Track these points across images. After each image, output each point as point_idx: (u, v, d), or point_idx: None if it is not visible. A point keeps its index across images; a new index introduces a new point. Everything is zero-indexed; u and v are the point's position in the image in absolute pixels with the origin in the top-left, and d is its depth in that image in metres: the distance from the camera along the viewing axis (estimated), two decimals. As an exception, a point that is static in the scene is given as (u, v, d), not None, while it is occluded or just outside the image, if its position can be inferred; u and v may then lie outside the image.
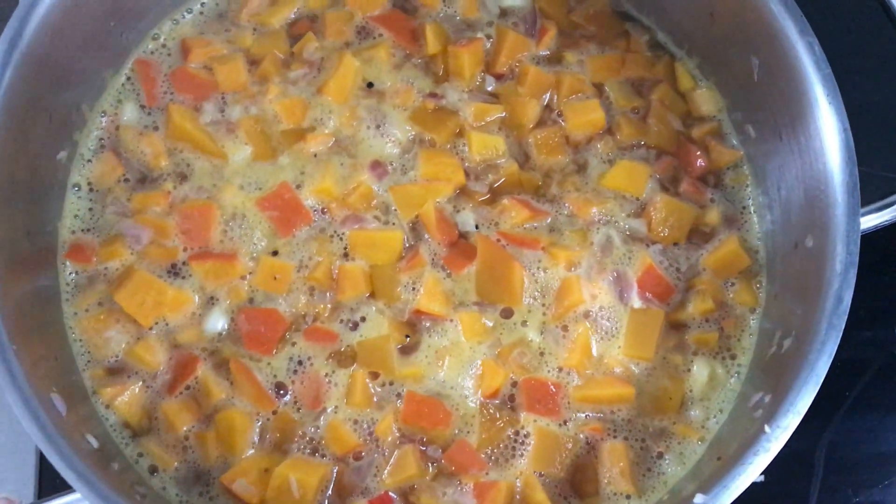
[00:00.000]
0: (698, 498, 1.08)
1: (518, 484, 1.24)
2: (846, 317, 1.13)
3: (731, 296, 1.35)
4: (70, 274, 1.32)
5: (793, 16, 1.24)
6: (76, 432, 1.13)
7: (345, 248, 1.33)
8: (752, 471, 1.08)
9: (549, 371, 1.29)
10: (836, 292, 1.14)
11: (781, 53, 1.26)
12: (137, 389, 1.27)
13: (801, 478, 1.53)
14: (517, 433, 1.26)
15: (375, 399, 1.27)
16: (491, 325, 1.30)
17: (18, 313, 1.16)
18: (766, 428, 1.10)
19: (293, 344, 1.29)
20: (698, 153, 1.42)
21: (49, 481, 1.40)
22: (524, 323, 1.31)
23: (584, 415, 1.28)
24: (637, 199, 1.39)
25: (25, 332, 1.15)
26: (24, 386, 1.07)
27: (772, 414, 1.11)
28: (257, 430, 1.26)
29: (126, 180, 1.37)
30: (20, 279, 1.21)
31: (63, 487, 1.11)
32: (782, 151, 1.31)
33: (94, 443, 1.17)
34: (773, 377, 1.21)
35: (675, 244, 1.37)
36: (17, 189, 1.22)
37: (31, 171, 1.26)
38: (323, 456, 1.25)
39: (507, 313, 1.31)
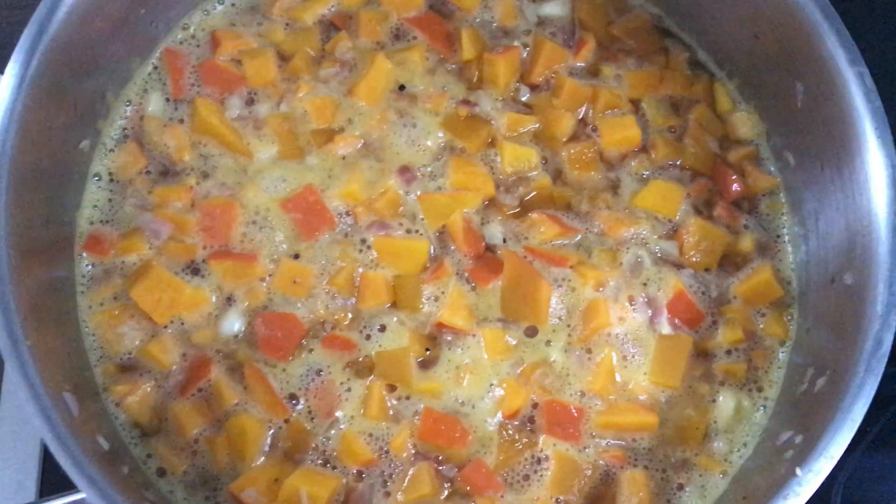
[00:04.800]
0: (727, 540, 1.05)
1: (534, 509, 1.21)
2: (885, 360, 1.09)
3: (761, 326, 1.32)
4: (86, 266, 1.29)
5: (843, 44, 1.20)
6: (87, 432, 1.10)
7: (369, 255, 1.30)
8: (781, 515, 1.05)
9: (571, 394, 1.26)
10: (876, 334, 1.10)
11: (829, 81, 1.22)
12: (149, 389, 1.23)
13: (817, 513, 1.50)
14: (535, 456, 1.23)
15: (392, 412, 1.24)
16: (514, 342, 1.27)
17: (33, 305, 1.13)
18: (798, 471, 1.07)
19: (310, 351, 1.26)
20: (734, 177, 1.38)
21: (51, 480, 1.37)
22: (548, 343, 1.28)
23: (605, 441, 1.25)
24: (670, 220, 1.35)
25: (39, 324, 1.12)
26: (37, 384, 1.03)
27: (803, 457, 1.08)
28: (269, 437, 1.22)
29: (148, 172, 1.34)
30: (36, 269, 1.17)
31: (65, 487, 1.07)
32: (822, 182, 1.28)
33: (105, 444, 1.14)
34: (804, 416, 1.18)
35: (707, 270, 1.33)
36: (39, 176, 1.19)
37: (53, 158, 1.23)
38: (334, 468, 1.22)
39: (532, 332, 1.28)
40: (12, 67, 1.12)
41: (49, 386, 1.05)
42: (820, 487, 1.50)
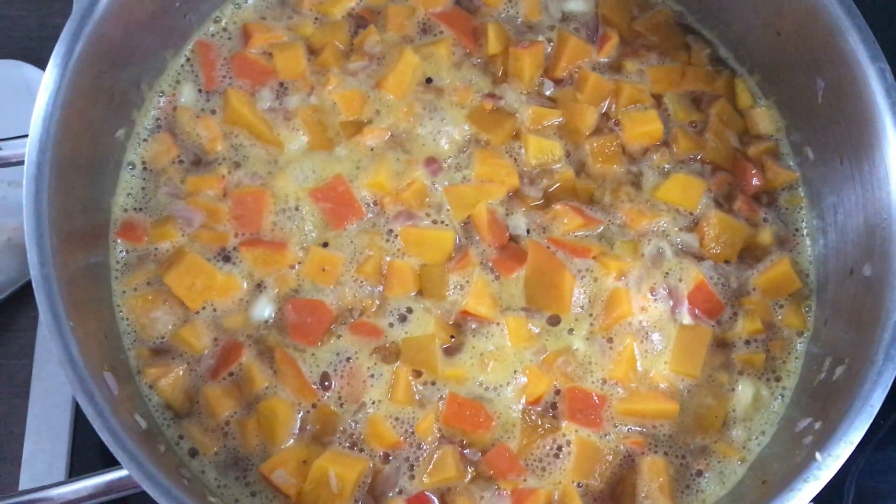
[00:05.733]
0: (747, 522, 1.07)
1: (556, 494, 1.23)
2: (904, 349, 1.12)
3: (780, 318, 1.34)
4: (121, 252, 1.32)
5: (865, 40, 1.22)
6: (126, 412, 1.13)
7: (395, 245, 1.33)
8: (801, 497, 1.07)
9: (593, 382, 1.28)
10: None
11: (850, 77, 1.24)
12: (181, 372, 1.26)
13: (829, 506, 1.52)
14: (558, 442, 1.26)
15: (417, 397, 1.26)
16: (537, 331, 1.30)
17: (71, 289, 1.15)
18: (818, 456, 1.09)
19: (338, 337, 1.29)
20: (754, 171, 1.41)
21: (80, 461, 1.40)
22: (570, 331, 1.30)
23: (626, 428, 1.27)
24: (691, 213, 1.38)
25: (77, 307, 1.15)
26: (79, 362, 1.07)
27: (823, 442, 1.10)
28: (298, 420, 1.25)
29: (181, 162, 1.37)
30: (75, 254, 1.20)
31: (94, 468, 1.11)
32: (842, 176, 1.30)
33: (143, 423, 1.17)
34: (822, 404, 1.20)
35: (727, 262, 1.36)
36: (78, 164, 1.22)
37: (91, 146, 1.26)
38: (361, 451, 1.24)
39: (554, 320, 1.31)
40: (55, 57, 1.15)
41: (90, 365, 1.08)
42: (833, 479, 1.52)
